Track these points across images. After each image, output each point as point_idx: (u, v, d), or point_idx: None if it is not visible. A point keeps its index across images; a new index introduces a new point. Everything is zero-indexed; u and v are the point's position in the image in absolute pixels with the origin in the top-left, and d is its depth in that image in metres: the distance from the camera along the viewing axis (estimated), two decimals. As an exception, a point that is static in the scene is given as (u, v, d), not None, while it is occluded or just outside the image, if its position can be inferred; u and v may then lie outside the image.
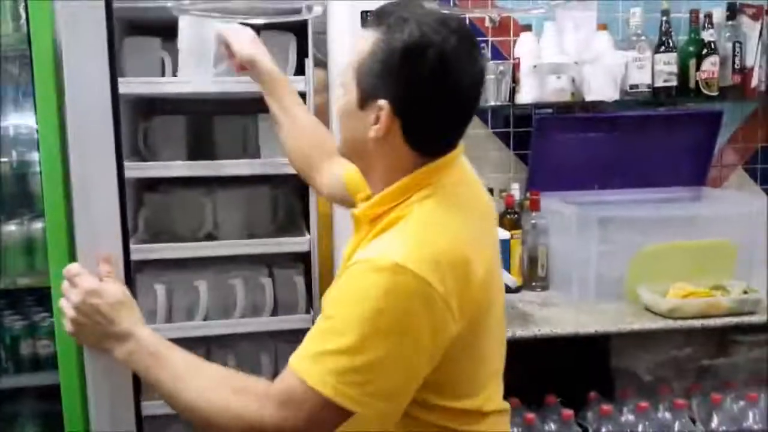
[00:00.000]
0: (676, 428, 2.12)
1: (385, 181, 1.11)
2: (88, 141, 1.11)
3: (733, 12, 2.39)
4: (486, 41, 2.41)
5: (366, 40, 1.07)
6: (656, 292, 2.16)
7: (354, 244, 1.15)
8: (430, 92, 1.04)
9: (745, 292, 2.17)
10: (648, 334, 2.12)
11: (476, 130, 2.46)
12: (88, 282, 1.11)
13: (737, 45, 2.38)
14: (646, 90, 2.32)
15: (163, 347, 1.09)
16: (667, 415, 2.12)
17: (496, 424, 1.14)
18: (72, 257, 1.62)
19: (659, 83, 2.33)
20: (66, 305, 1.12)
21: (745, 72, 2.39)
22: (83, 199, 1.13)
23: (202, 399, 1.03)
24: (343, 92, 1.11)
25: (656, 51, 2.33)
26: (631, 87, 2.32)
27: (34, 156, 1.91)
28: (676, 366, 2.20)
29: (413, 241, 1.02)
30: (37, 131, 1.68)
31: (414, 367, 1.01)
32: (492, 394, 1.15)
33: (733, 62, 2.38)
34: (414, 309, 0.98)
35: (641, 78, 2.31)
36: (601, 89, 2.27)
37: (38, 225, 1.93)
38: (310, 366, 0.99)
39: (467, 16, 2.31)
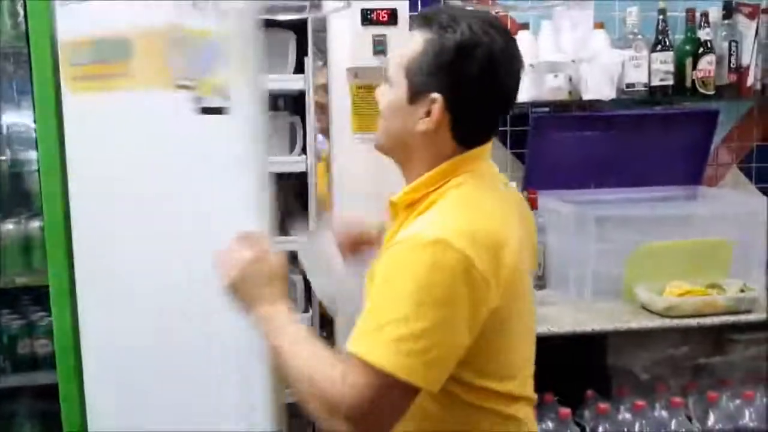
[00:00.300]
0: (672, 426, 2.12)
1: (423, 169, 1.17)
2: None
3: (729, 11, 2.40)
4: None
5: (415, 40, 1.14)
6: (653, 291, 2.16)
7: (393, 230, 1.20)
8: (479, 88, 1.12)
9: (742, 291, 2.18)
10: (645, 332, 2.12)
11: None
12: (261, 247, 1.25)
13: (733, 44, 2.38)
14: (643, 89, 2.33)
15: (293, 320, 1.19)
16: (664, 413, 2.12)
17: (524, 411, 1.20)
18: (70, 255, 1.63)
19: (656, 82, 2.33)
20: (233, 261, 1.23)
21: (741, 71, 2.39)
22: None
23: (306, 372, 1.09)
24: (388, 88, 1.17)
25: (653, 50, 2.34)
26: (628, 86, 2.33)
27: (31, 154, 1.90)
28: (672, 364, 2.20)
29: (452, 219, 1.09)
30: (34, 130, 1.67)
31: (457, 338, 1.06)
32: (524, 381, 1.21)
33: (729, 61, 2.38)
34: (456, 282, 1.04)
35: (638, 77, 2.32)
36: (598, 88, 2.28)
37: (35, 224, 1.93)
38: (366, 344, 1.05)
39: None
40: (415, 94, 1.14)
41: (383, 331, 1.03)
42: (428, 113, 1.13)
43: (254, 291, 1.22)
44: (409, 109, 1.15)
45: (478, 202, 1.13)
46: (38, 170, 1.70)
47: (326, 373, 1.07)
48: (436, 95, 1.12)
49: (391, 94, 1.17)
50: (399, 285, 1.04)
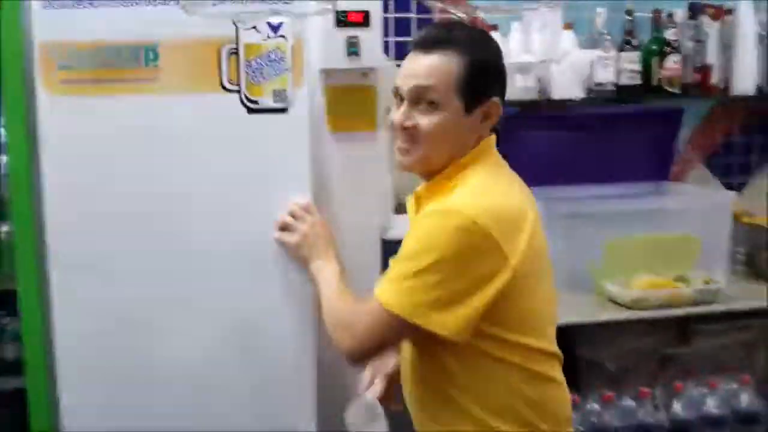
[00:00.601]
0: (639, 416, 2.18)
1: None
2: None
3: (694, 12, 2.44)
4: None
5: (448, 62, 1.27)
6: (622, 284, 2.21)
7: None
8: (505, 84, 1.36)
9: (707, 283, 2.24)
10: (614, 324, 2.17)
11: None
12: (319, 217, 1.59)
13: (698, 44, 2.42)
14: (611, 88, 2.36)
15: (339, 276, 1.48)
16: (631, 403, 2.18)
17: (552, 366, 1.35)
18: (39, 260, 1.62)
19: (623, 81, 2.36)
20: (300, 225, 1.57)
21: (705, 70, 2.44)
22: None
23: (334, 305, 1.40)
24: (436, 112, 1.28)
25: (620, 50, 2.36)
26: (596, 85, 2.35)
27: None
28: (640, 355, 2.25)
29: (469, 195, 1.25)
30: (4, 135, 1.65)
31: (470, 291, 1.21)
32: (551, 341, 1.36)
33: (694, 61, 2.43)
34: (462, 242, 1.20)
35: (606, 76, 2.34)
36: (567, 88, 2.30)
37: (3, 228, 1.90)
38: (384, 289, 1.26)
39: (438, 16, 2.33)
40: (471, 105, 1.29)
41: (400, 281, 1.24)
42: (485, 116, 1.31)
43: (315, 250, 1.53)
44: (465, 120, 1.29)
45: (493, 183, 1.29)
46: (6, 175, 1.68)
47: (348, 307, 1.37)
48: (496, 99, 1.31)
49: (441, 115, 1.28)
50: (412, 245, 1.24)
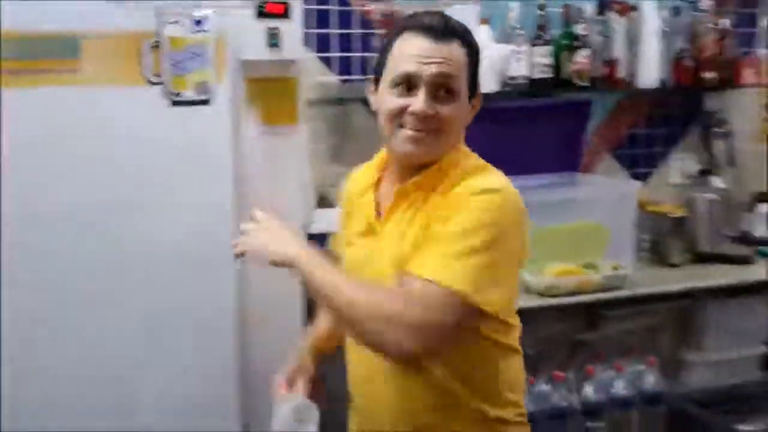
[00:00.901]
0: (554, 399, 2.26)
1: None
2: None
3: (601, 7, 2.52)
4: (374, 34, 2.38)
5: (462, 52, 1.27)
6: (535, 272, 2.28)
7: (403, 211, 1.30)
8: None
9: (615, 269, 2.34)
10: (529, 311, 2.23)
11: (365, 122, 2.36)
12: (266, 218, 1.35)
13: (606, 39, 2.50)
14: (524, 81, 2.40)
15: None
16: (546, 387, 2.25)
17: (516, 338, 1.35)
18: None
19: (536, 75, 2.41)
20: (249, 236, 1.33)
21: (612, 64, 2.53)
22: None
23: (374, 300, 1.18)
24: (456, 102, 1.27)
25: (533, 44, 2.41)
26: (510, 79, 2.39)
27: None
28: (554, 341, 2.33)
29: (496, 177, 1.27)
30: None
31: (511, 269, 1.23)
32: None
33: (602, 55, 2.50)
34: (508, 218, 1.21)
35: (519, 70, 2.39)
36: (484, 82, 2.33)
37: None
38: (438, 269, 1.17)
39: (358, 8, 2.32)
40: (471, 93, 1.31)
41: (459, 259, 1.16)
42: (472, 107, 1.33)
43: (278, 239, 1.28)
44: (468, 107, 1.32)
45: (497, 171, 1.31)
46: None
47: (383, 298, 1.18)
48: (480, 89, 1.34)
49: (458, 104, 1.28)
50: (470, 223, 1.18)
